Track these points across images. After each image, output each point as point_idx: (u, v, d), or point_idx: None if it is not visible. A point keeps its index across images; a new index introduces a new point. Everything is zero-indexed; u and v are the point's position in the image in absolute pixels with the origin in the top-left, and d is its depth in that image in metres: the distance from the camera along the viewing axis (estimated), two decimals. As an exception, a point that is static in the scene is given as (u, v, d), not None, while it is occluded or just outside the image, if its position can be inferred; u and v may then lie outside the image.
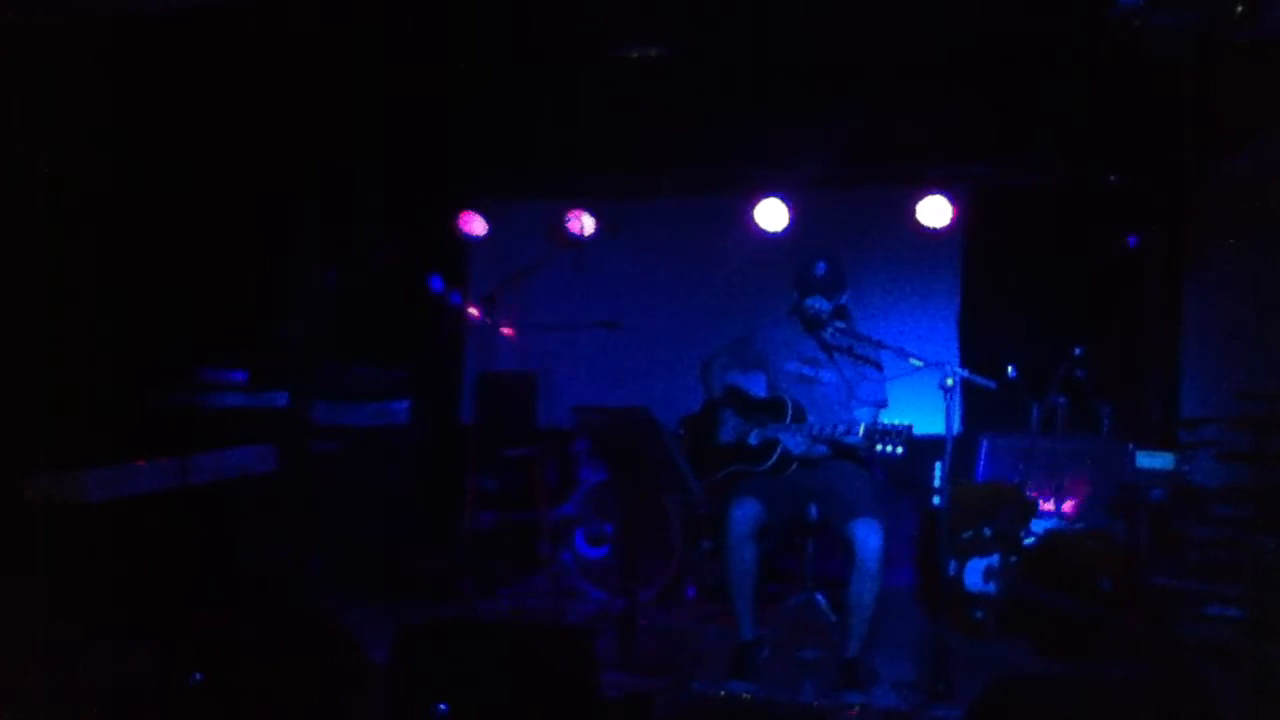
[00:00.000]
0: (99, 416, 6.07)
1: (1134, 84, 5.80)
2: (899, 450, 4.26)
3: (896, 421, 4.30)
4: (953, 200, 7.12)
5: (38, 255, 6.29)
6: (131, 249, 6.82)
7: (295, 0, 5.43)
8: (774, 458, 4.64)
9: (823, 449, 4.65)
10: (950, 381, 4.37)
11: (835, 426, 4.52)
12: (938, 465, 5.75)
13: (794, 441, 4.60)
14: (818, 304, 4.79)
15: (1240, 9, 4.73)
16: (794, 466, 4.67)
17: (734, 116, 6.73)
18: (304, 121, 6.76)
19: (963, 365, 4.55)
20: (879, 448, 4.29)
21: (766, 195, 7.40)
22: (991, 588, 5.33)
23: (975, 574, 5.37)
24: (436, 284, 7.48)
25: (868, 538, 4.44)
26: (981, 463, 6.05)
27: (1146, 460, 5.74)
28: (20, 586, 4.61)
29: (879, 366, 4.89)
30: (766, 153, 7.29)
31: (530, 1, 5.55)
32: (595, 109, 6.70)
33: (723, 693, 4.42)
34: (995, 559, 5.36)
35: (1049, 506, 5.81)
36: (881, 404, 4.84)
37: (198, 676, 3.50)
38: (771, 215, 7.40)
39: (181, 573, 5.38)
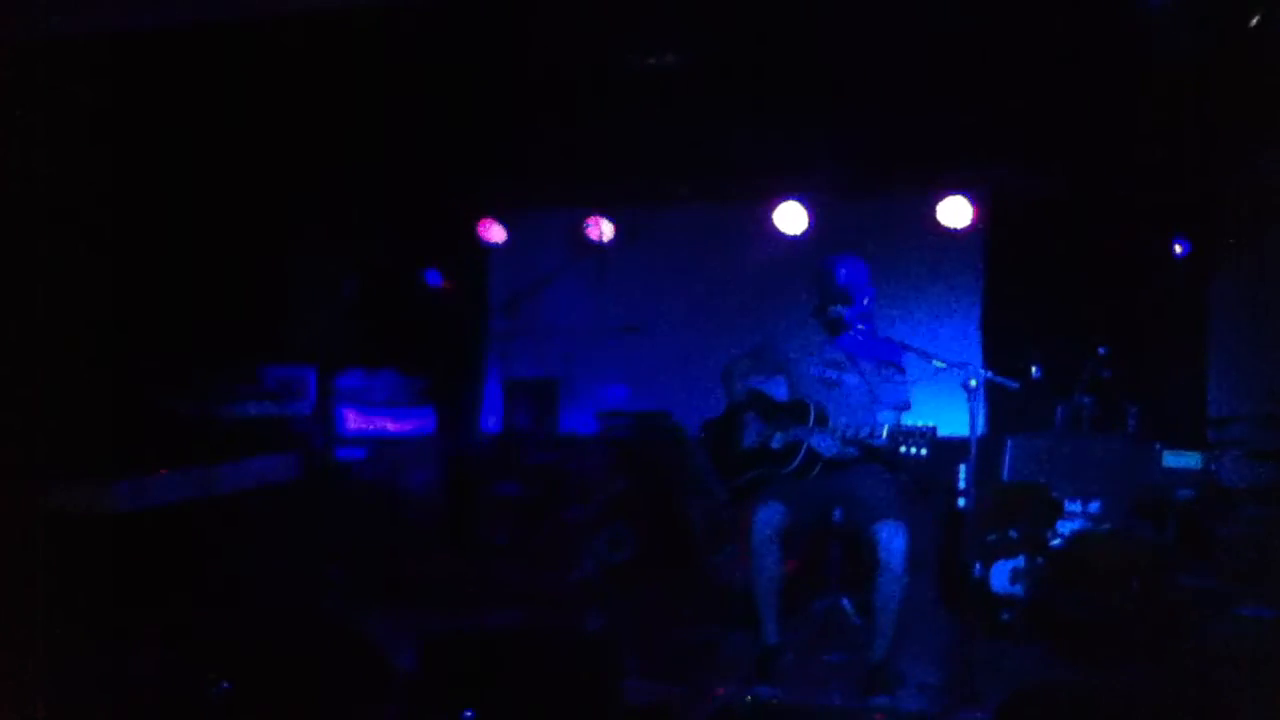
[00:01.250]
0: (124, 427, 6.10)
1: (1156, 81, 5.76)
2: (923, 452, 4.25)
3: (919, 423, 4.29)
4: (973, 201, 7.09)
5: (62, 266, 6.34)
6: (159, 258, 6.87)
7: (316, 15, 5.46)
8: (797, 461, 4.63)
9: (853, 451, 4.62)
10: (973, 383, 4.34)
11: (860, 429, 4.51)
12: (962, 467, 5.72)
13: (825, 444, 4.57)
14: (838, 310, 4.78)
15: (1257, 18, 4.70)
16: (817, 470, 4.65)
17: (751, 121, 6.71)
18: (328, 134, 6.80)
19: (986, 366, 4.53)
20: (903, 449, 4.28)
21: (785, 199, 7.39)
22: (1018, 590, 5.28)
23: (1001, 576, 5.33)
24: (434, 279, 7.55)
25: (892, 540, 4.42)
26: (1007, 464, 6.00)
27: (1174, 460, 5.70)
28: (46, 596, 4.64)
29: (901, 369, 4.87)
30: (785, 157, 7.27)
31: (546, 10, 5.55)
32: (613, 116, 6.70)
33: (748, 698, 4.40)
34: (1021, 561, 5.32)
35: (1075, 507, 5.76)
36: (904, 406, 4.81)
37: (225, 685, 3.51)
38: (791, 219, 7.40)
39: (205, 581, 5.41)
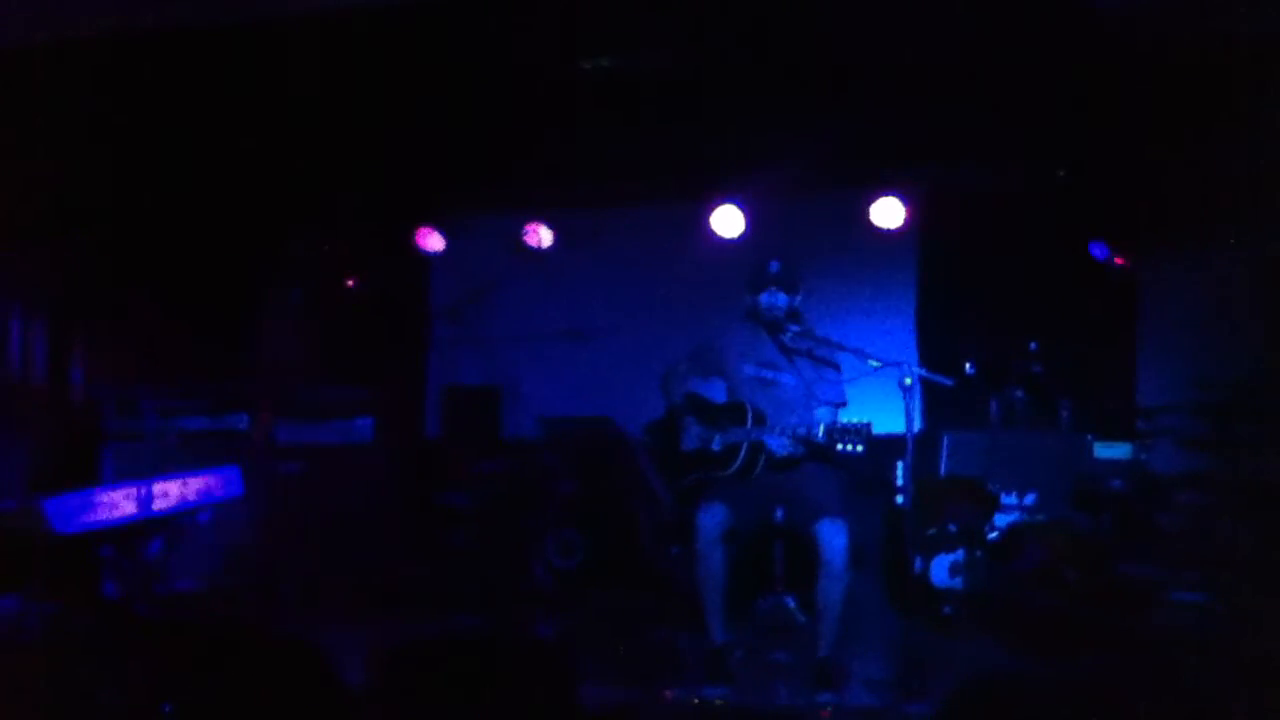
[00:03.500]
0: (61, 445, 6.01)
1: (1088, 83, 5.87)
2: (859, 448, 4.30)
3: (855, 419, 4.34)
4: (906, 201, 7.18)
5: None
6: (96, 270, 6.78)
7: (258, 23, 5.41)
8: (738, 463, 4.67)
9: (803, 450, 4.65)
10: (909, 381, 4.41)
11: (798, 427, 4.55)
12: (900, 464, 5.81)
13: (779, 444, 4.60)
14: (774, 299, 4.82)
15: None
16: (758, 470, 4.69)
17: (688, 125, 6.74)
18: (267, 144, 6.73)
19: (921, 364, 4.60)
20: (840, 446, 4.33)
21: (722, 202, 7.43)
22: (958, 583, 5.38)
23: (941, 570, 5.42)
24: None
25: (833, 538, 4.47)
26: (944, 459, 6.09)
27: (1105, 451, 5.83)
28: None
29: (837, 368, 4.93)
30: (721, 160, 7.31)
31: (483, 16, 5.54)
32: (550, 121, 6.70)
33: (696, 699, 4.43)
34: (960, 554, 5.41)
35: (1011, 500, 5.87)
36: (840, 404, 4.87)
37: (166, 707, 3.47)
38: (727, 222, 7.44)
39: (148, 600, 5.34)
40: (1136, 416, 6.44)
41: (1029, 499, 5.93)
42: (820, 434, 4.42)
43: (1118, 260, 6.88)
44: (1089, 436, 5.98)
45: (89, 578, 5.12)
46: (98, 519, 5.31)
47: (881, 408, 4.80)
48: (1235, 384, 5.47)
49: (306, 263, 8.12)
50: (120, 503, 5.45)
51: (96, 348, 6.81)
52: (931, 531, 5.45)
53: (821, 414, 4.77)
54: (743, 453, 4.67)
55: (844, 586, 4.50)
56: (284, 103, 6.24)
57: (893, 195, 7.19)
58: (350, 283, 8.09)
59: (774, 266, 4.83)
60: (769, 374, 4.90)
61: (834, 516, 4.52)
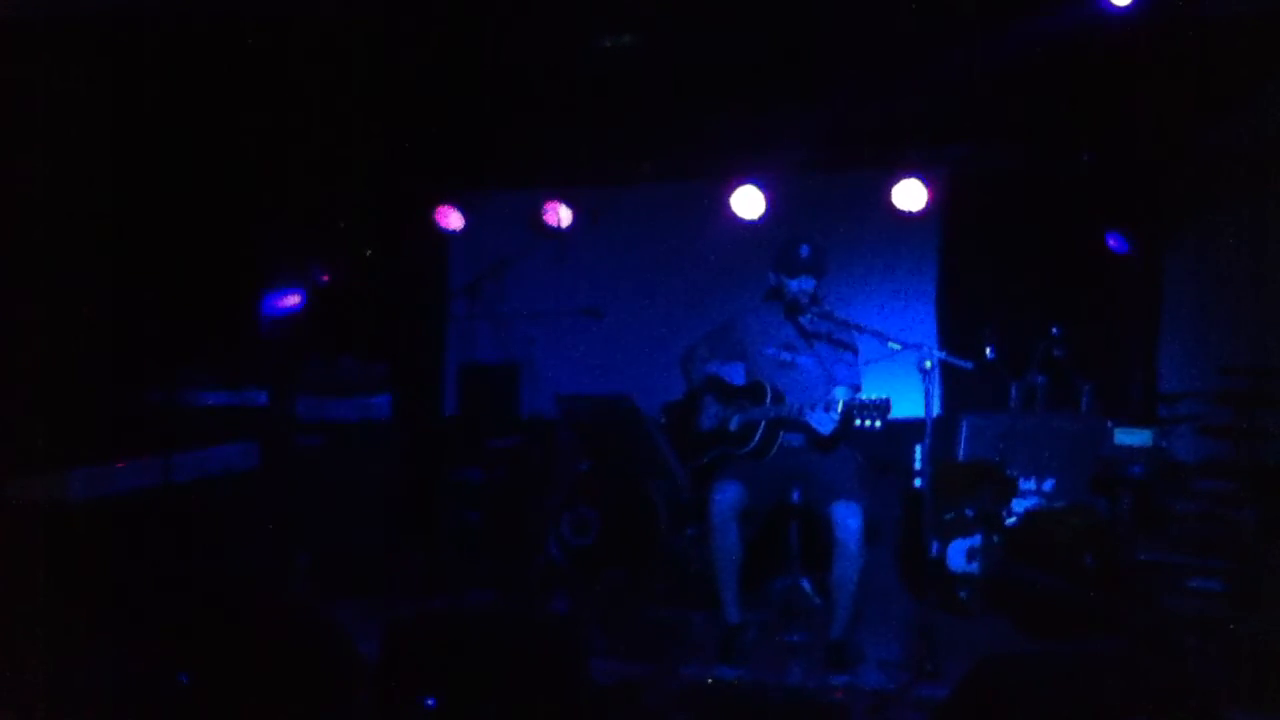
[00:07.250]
0: (80, 416, 6.03)
1: (1107, 64, 5.83)
2: (877, 424, 4.30)
3: (875, 395, 4.33)
4: (928, 183, 7.13)
5: (18, 255, 6.25)
6: (112, 248, 6.79)
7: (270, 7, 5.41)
8: (755, 441, 4.67)
9: (836, 426, 4.63)
10: (929, 364, 4.40)
11: (818, 405, 4.54)
12: (918, 447, 5.79)
13: (821, 420, 4.56)
14: (804, 284, 4.81)
15: None
16: (775, 450, 4.70)
17: (709, 103, 6.71)
18: (280, 120, 6.73)
19: (941, 347, 4.58)
20: (858, 422, 4.32)
21: (743, 182, 7.40)
22: (975, 567, 5.36)
23: (958, 554, 5.40)
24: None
25: (848, 520, 4.47)
26: (962, 443, 6.07)
27: (1125, 437, 5.79)
28: (2, 588, 4.59)
29: (854, 350, 4.92)
30: (743, 140, 7.28)
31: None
32: (569, 99, 6.68)
33: (711, 678, 4.44)
34: (978, 539, 5.39)
35: (1030, 485, 5.84)
36: (856, 387, 4.86)
37: (183, 678, 3.49)
38: (748, 202, 7.41)
39: (166, 571, 5.36)
40: (1158, 402, 6.39)
41: (1048, 484, 5.90)
42: (840, 409, 4.41)
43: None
44: (1109, 422, 5.94)
45: (107, 547, 5.14)
46: (118, 488, 5.35)
47: (901, 390, 4.77)
48: (1258, 371, 5.43)
49: (326, 240, 8.13)
50: (140, 473, 5.49)
51: (117, 322, 6.83)
52: (949, 515, 5.43)
53: (839, 394, 4.76)
54: (760, 432, 4.67)
55: (859, 568, 4.51)
56: (304, 78, 6.23)
57: (915, 177, 7.14)
58: (369, 260, 8.09)
59: (805, 251, 4.81)
60: (788, 355, 4.90)
61: (850, 498, 4.53)
